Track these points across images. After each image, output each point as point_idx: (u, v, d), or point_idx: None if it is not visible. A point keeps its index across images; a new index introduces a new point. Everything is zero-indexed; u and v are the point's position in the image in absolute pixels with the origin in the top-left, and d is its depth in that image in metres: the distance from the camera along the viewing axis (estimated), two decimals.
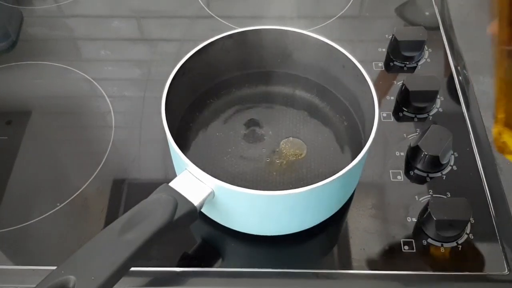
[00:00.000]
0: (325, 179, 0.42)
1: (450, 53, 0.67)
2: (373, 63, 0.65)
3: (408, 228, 0.50)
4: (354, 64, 0.51)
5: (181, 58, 0.51)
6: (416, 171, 0.54)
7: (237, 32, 0.54)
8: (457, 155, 0.55)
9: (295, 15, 0.74)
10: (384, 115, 0.59)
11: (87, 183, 0.54)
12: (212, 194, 0.44)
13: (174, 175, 0.45)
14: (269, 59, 0.58)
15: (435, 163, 0.53)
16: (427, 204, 0.49)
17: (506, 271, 0.47)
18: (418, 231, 0.49)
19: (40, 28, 0.72)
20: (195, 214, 0.43)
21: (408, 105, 0.59)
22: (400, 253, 0.48)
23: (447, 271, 0.47)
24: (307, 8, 0.75)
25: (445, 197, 0.51)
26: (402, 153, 0.55)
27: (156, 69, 0.66)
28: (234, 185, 0.42)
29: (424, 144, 0.52)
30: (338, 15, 0.73)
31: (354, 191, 0.52)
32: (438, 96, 0.60)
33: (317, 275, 0.47)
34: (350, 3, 0.75)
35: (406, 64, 0.65)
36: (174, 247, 0.49)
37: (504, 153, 0.45)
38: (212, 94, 0.58)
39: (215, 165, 0.52)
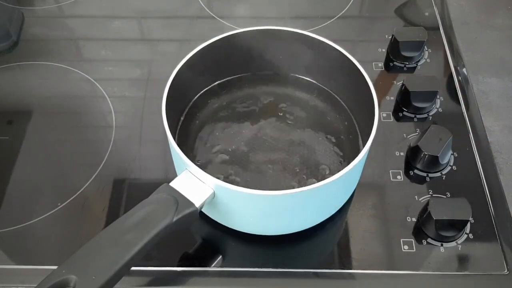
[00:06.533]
0: (325, 179, 0.42)
1: (450, 53, 0.67)
2: (373, 63, 0.65)
3: (408, 228, 0.50)
4: (354, 64, 0.51)
5: (181, 58, 0.51)
6: (416, 171, 0.54)
7: (237, 33, 0.54)
8: (456, 155, 0.55)
9: (295, 15, 0.74)
10: (384, 115, 0.59)
11: (88, 183, 0.54)
12: (212, 194, 0.44)
13: (175, 175, 0.45)
14: (269, 59, 0.58)
15: (435, 163, 0.53)
16: (427, 204, 0.49)
17: (506, 271, 0.47)
18: (418, 231, 0.49)
19: (41, 29, 0.72)
20: (196, 214, 0.43)
21: (408, 105, 0.59)
22: (400, 253, 0.48)
23: (447, 271, 0.47)
24: (307, 8, 0.75)
25: (445, 197, 0.52)
26: (402, 153, 0.56)
27: (156, 69, 0.66)
28: (234, 185, 0.42)
29: (424, 144, 0.52)
30: (338, 15, 0.73)
31: (354, 191, 0.52)
32: (438, 96, 0.60)
33: (317, 275, 0.47)
34: (350, 3, 0.75)
35: (406, 64, 0.65)
36: (174, 247, 0.49)
37: None
38: (212, 94, 0.58)
39: (215, 165, 0.52)
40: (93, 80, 0.64)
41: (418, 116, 0.59)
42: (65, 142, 0.59)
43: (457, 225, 0.48)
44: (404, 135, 0.57)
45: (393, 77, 0.64)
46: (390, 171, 0.54)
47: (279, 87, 0.59)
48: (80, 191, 0.53)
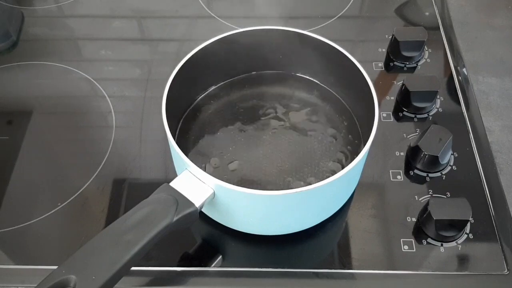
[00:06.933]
0: (325, 179, 0.42)
1: (450, 53, 0.67)
2: (373, 63, 0.65)
3: (408, 228, 0.50)
4: (354, 64, 0.51)
5: (181, 58, 0.51)
6: (416, 171, 0.54)
7: (237, 33, 0.54)
8: (456, 155, 0.55)
9: (295, 15, 0.74)
10: (384, 115, 0.59)
11: (88, 183, 0.54)
12: (212, 194, 0.44)
13: (175, 175, 0.45)
14: (269, 59, 0.58)
15: (435, 163, 0.53)
16: (427, 204, 0.49)
17: (506, 271, 0.47)
18: (418, 231, 0.49)
19: (41, 28, 0.72)
20: (196, 214, 0.43)
21: (408, 105, 0.59)
22: (400, 253, 0.48)
23: (447, 271, 0.47)
24: (307, 8, 0.75)
25: (444, 197, 0.52)
26: (402, 153, 0.56)
27: (156, 69, 0.66)
28: (234, 185, 0.42)
29: (424, 144, 0.52)
30: (338, 15, 0.73)
31: (354, 191, 0.52)
32: (438, 96, 0.60)
33: (317, 275, 0.47)
34: (350, 3, 0.75)
35: (406, 64, 0.65)
36: (174, 247, 0.49)
37: None
38: (212, 93, 0.58)
39: (215, 165, 0.52)
40: (93, 80, 0.64)
41: (418, 116, 0.59)
42: (65, 142, 0.59)
43: (457, 225, 0.48)
44: (404, 135, 0.57)
45: (393, 77, 0.64)
46: (390, 171, 0.54)
47: (279, 86, 0.59)
48: (80, 191, 0.53)
